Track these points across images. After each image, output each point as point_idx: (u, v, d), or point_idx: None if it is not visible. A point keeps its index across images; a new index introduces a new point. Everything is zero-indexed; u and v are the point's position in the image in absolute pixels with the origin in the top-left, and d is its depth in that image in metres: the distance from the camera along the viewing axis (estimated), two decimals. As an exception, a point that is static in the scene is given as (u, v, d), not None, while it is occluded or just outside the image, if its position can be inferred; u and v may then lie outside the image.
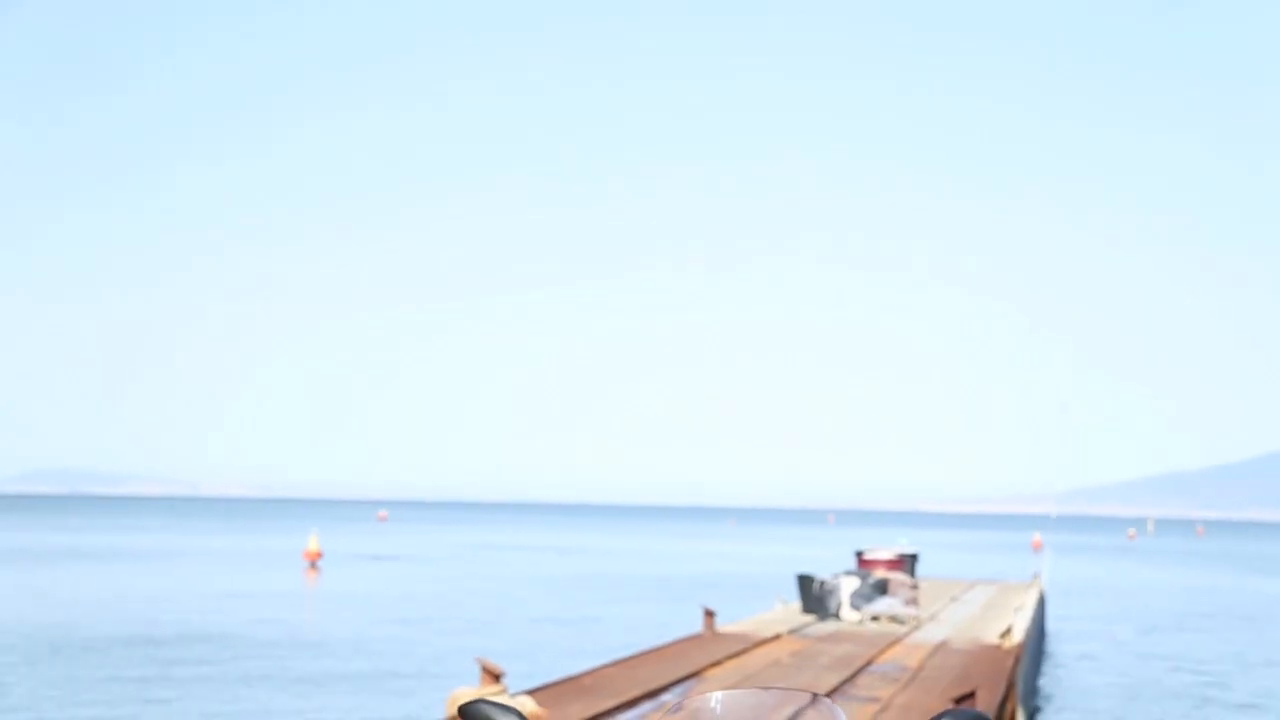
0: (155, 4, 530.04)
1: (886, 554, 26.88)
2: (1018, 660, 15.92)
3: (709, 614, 17.84)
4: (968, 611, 22.56)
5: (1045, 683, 21.37)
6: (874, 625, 19.07)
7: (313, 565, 47.55)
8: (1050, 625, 29.46)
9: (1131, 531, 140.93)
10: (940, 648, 16.86)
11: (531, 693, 11.45)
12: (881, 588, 20.58)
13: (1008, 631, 17.61)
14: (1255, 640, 29.60)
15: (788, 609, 21.95)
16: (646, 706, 11.31)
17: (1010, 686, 14.51)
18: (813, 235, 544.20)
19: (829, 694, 13.16)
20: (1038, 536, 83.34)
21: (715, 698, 2.43)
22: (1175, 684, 21.70)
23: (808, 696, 2.44)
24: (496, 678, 11.23)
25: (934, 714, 2.48)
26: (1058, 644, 27.11)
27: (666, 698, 11.97)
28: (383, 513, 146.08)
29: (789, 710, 2.43)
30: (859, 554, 27.14)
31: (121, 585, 37.83)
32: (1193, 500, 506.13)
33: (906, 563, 26.35)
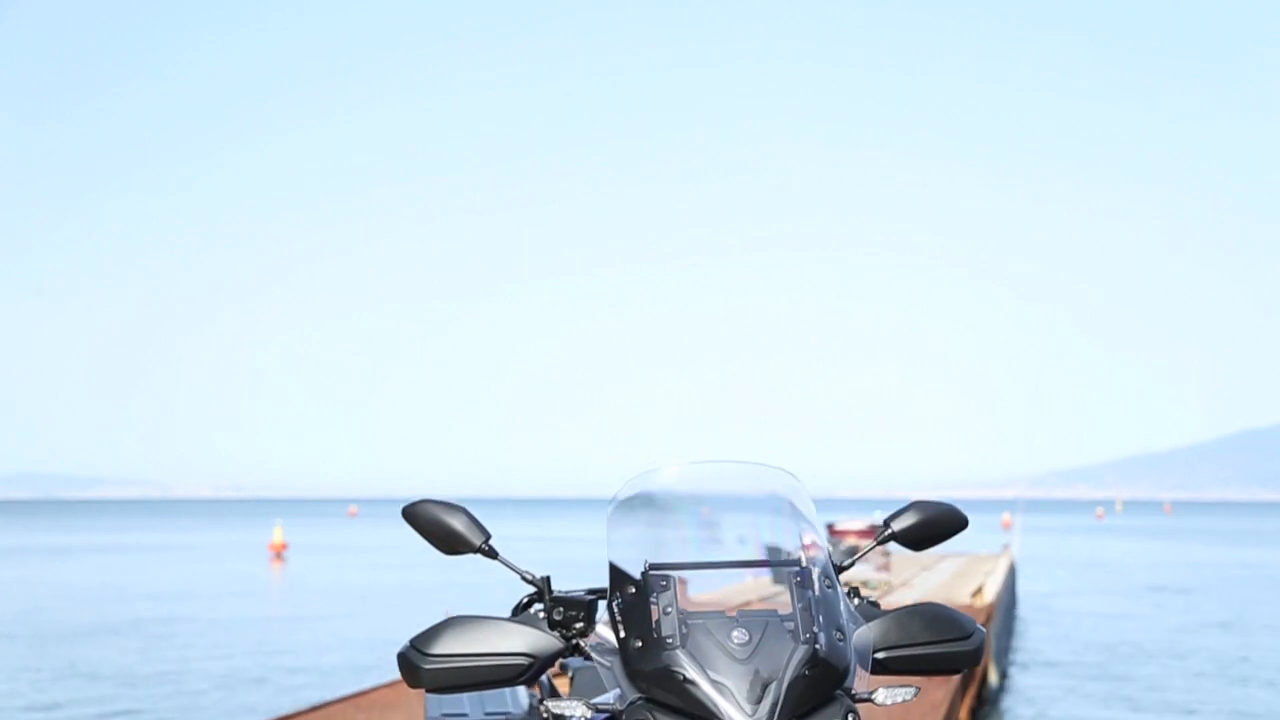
0: (153, 6, 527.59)
1: (858, 524, 26.85)
2: (990, 618, 15.79)
3: (681, 581, 17.62)
4: (939, 579, 22.52)
5: (1017, 646, 21.32)
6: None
7: (278, 556, 47.17)
8: (1021, 593, 29.47)
9: (1100, 511, 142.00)
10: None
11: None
12: (851, 554, 20.44)
13: (979, 590, 17.51)
14: (1222, 605, 29.77)
15: (758, 580, 21.80)
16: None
17: (983, 641, 14.35)
18: (791, 226, 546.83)
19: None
20: (1007, 516, 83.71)
21: (670, 469, 2.27)
22: (1145, 647, 21.71)
23: (767, 468, 2.30)
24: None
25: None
26: (1029, 610, 27.15)
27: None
28: (353, 508, 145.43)
29: (747, 478, 2.29)
30: (830, 525, 27.08)
31: (85, 576, 37.44)
32: (1160, 481, 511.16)
33: (878, 533, 26.50)
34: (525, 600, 2.31)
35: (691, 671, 1.98)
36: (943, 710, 9.18)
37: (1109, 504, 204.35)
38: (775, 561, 2.16)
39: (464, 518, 2.24)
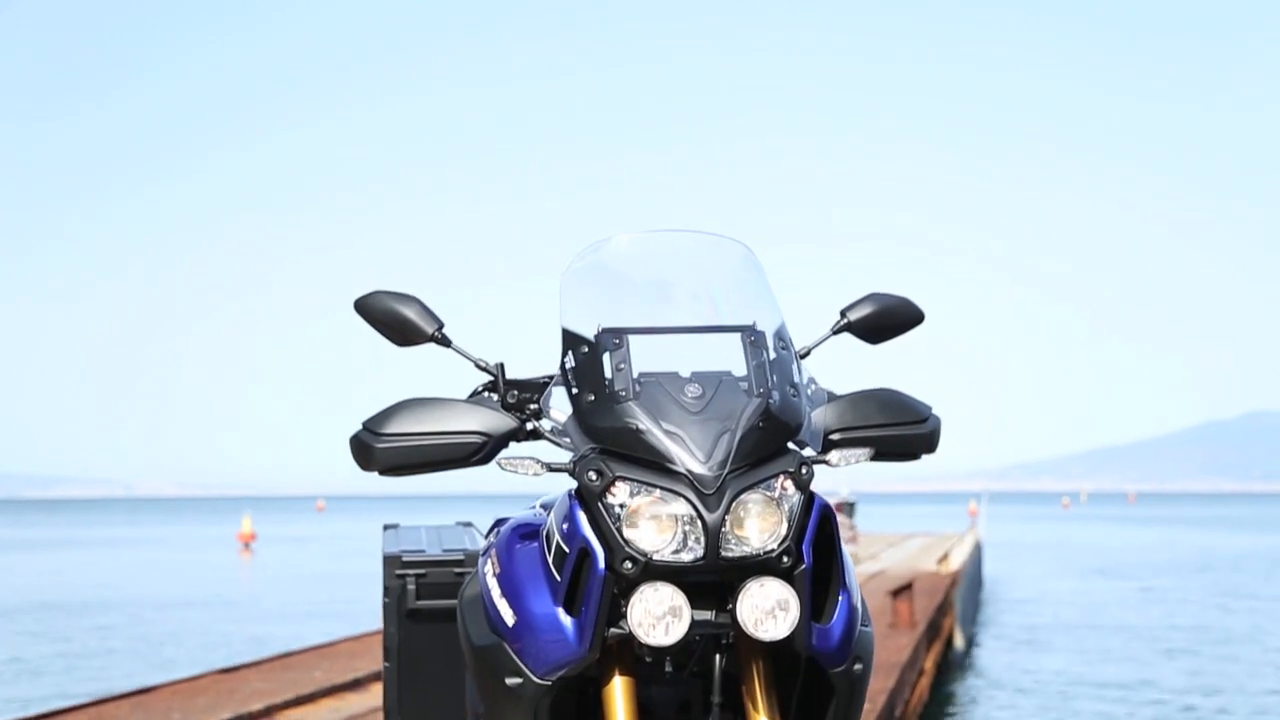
0: (146, 8, 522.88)
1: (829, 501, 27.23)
2: (955, 583, 15.95)
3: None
4: (905, 553, 22.74)
5: (982, 617, 21.49)
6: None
7: (246, 546, 46.92)
8: (987, 572, 29.71)
9: (1065, 500, 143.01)
10: (879, 574, 16.91)
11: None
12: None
13: (945, 557, 17.67)
14: (1181, 582, 30.13)
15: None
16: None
17: (948, 603, 14.51)
18: (788, 220, 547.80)
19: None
20: (974, 505, 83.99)
21: (623, 238, 2.26)
22: (1108, 620, 21.94)
23: (720, 238, 2.28)
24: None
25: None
26: (994, 587, 27.37)
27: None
28: (320, 503, 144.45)
29: (700, 246, 2.27)
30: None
31: (56, 566, 37.13)
32: (1124, 473, 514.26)
33: (845, 508, 26.88)
34: (480, 388, 2.30)
35: (645, 423, 1.99)
36: (907, 653, 9.31)
37: (1074, 495, 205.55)
38: (729, 326, 2.14)
39: (417, 306, 2.23)
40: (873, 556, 21.06)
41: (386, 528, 3.22)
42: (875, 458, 2.24)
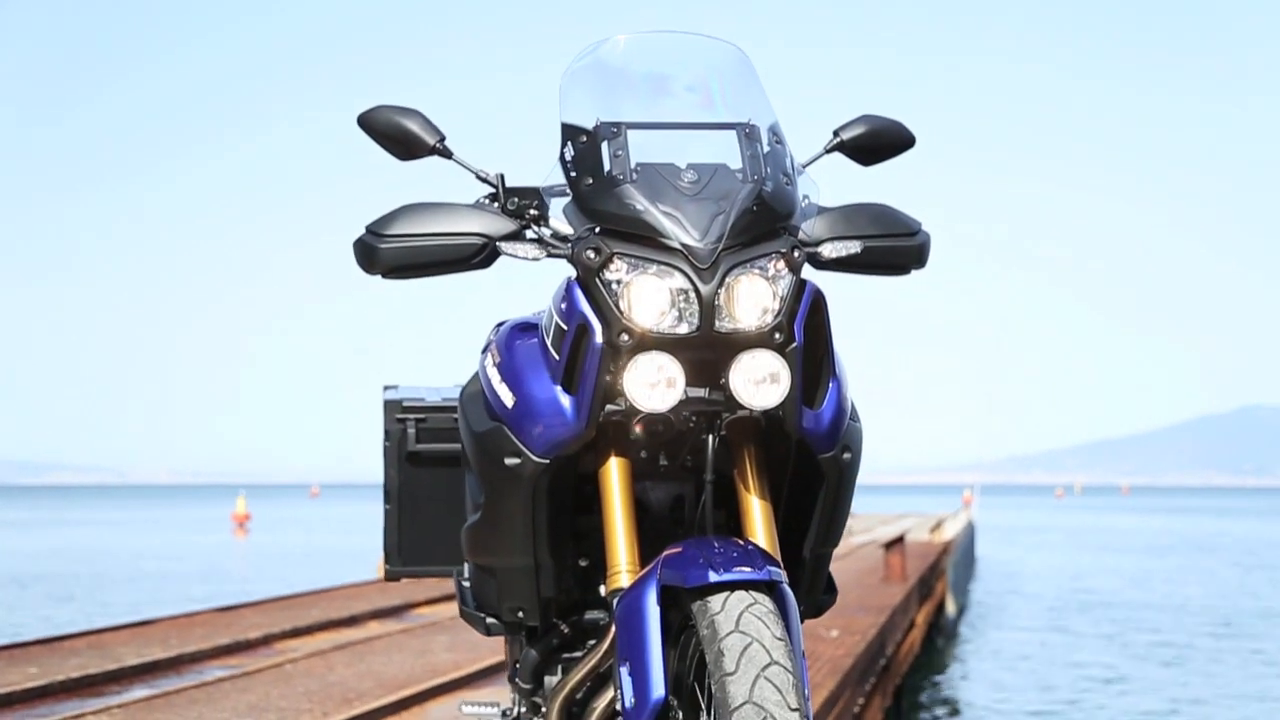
0: (139, 5, 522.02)
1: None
2: (947, 551, 16.05)
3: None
4: (899, 528, 22.82)
5: (974, 591, 21.61)
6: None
7: (240, 526, 46.98)
8: (979, 552, 29.84)
9: (1059, 491, 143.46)
10: (871, 542, 17.00)
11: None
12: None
13: (938, 526, 17.75)
14: (1172, 565, 30.32)
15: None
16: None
17: (940, 567, 14.61)
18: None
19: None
20: (968, 493, 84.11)
21: (621, 38, 2.30)
22: (1096, 598, 22.08)
23: (716, 40, 2.33)
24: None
25: None
26: (987, 566, 27.50)
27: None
28: (315, 489, 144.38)
29: (697, 47, 2.32)
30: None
31: (54, 543, 37.19)
32: (1119, 467, 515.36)
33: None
34: (482, 199, 2.33)
35: (642, 203, 2.07)
36: (898, 599, 9.39)
37: (1068, 487, 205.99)
38: (725, 123, 2.20)
39: (419, 118, 2.28)
40: (866, 530, 21.17)
41: (386, 388, 3.27)
42: (865, 270, 2.30)
